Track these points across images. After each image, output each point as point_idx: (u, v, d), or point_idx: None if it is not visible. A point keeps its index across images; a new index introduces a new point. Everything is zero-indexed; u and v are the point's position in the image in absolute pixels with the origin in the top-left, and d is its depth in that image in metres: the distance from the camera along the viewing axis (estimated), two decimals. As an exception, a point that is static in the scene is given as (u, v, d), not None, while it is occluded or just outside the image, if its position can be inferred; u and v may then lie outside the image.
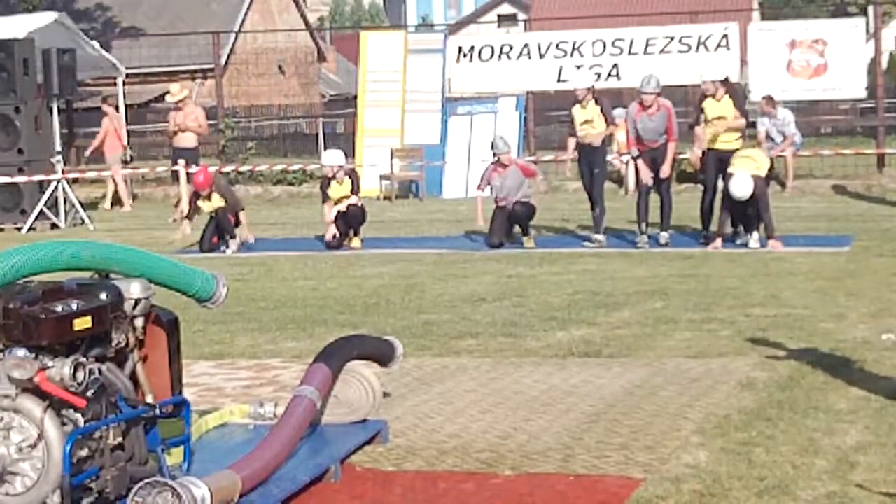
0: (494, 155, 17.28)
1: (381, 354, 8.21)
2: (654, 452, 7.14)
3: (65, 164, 23.51)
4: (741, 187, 15.64)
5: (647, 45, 26.59)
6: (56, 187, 22.33)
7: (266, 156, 32.28)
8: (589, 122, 17.00)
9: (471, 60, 27.42)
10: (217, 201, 17.54)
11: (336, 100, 49.64)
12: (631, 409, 8.18)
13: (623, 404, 8.31)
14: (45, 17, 24.37)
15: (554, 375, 9.26)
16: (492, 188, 17.33)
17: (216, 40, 29.93)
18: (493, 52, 27.47)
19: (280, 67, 48.35)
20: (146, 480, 5.84)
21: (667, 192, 16.88)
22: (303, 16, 52.31)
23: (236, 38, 44.81)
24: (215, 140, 28.26)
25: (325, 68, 55.36)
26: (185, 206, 19.83)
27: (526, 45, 27.47)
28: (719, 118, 16.61)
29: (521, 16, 60.67)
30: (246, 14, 46.77)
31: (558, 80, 27.20)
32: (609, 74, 26.72)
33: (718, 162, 16.54)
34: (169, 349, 6.83)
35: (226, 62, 40.85)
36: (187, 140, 23.20)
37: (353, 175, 17.83)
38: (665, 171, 16.58)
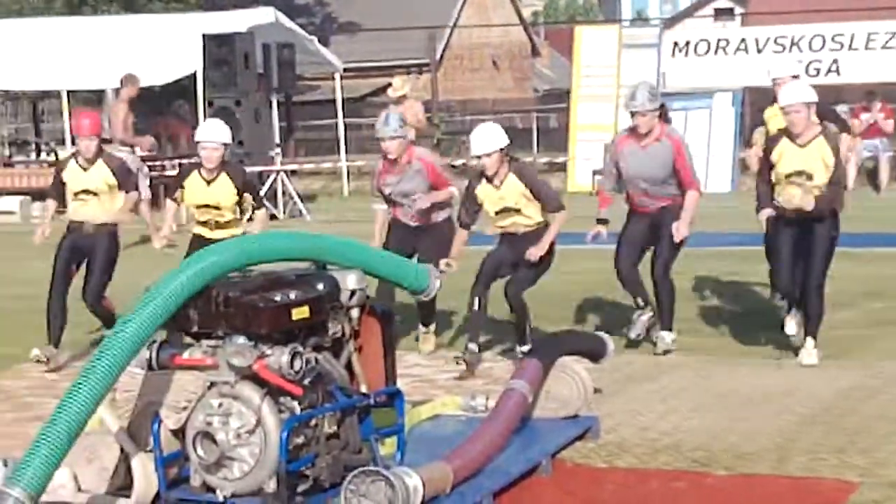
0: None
1: (592, 350, 8.19)
2: (871, 456, 6.97)
3: (283, 156, 23.95)
4: None
5: (868, 41, 25.98)
6: (275, 179, 22.78)
7: (479, 150, 32.36)
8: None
9: (686, 55, 27.17)
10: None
11: (549, 94, 49.56)
12: (847, 411, 8.01)
13: (839, 407, 8.14)
14: (265, 14, 24.83)
15: (768, 376, 9.12)
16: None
17: (431, 35, 30.11)
18: (709, 46, 27.16)
19: (494, 62, 48.51)
20: (360, 469, 5.91)
21: (663, 277, 10.18)
22: (517, 10, 52.38)
23: (451, 32, 45.09)
24: (430, 134, 28.46)
25: (538, 63, 55.39)
26: None
27: (743, 40, 27.08)
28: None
29: (738, 10, 59.83)
30: (461, 9, 47.04)
31: (776, 76, 26.76)
32: (829, 70, 26.20)
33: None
34: (383, 340, 6.91)
35: (440, 57, 41.16)
36: (406, 134, 23.39)
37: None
38: (682, 231, 9.86)
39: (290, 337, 6.14)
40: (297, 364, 5.99)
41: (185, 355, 6.15)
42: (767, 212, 9.59)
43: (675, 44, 27.34)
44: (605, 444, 7.40)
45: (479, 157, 9.55)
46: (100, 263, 10.32)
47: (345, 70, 27.83)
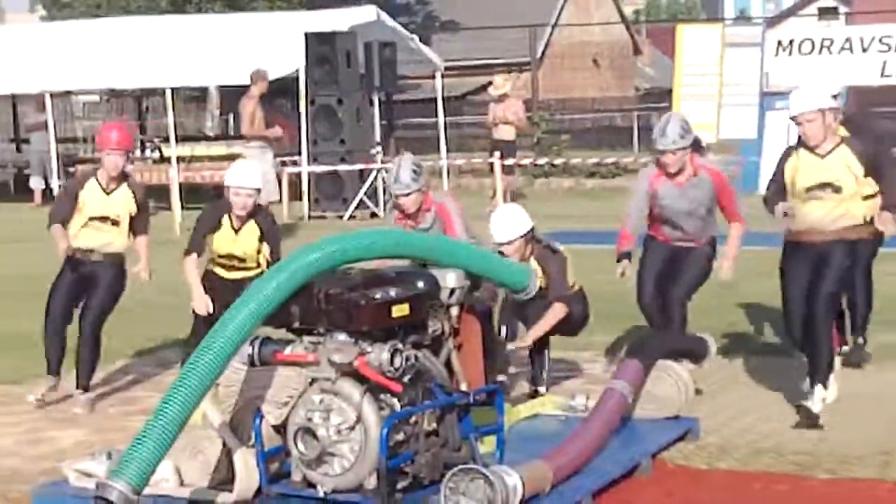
0: None
1: (692, 351, 8.14)
2: (980, 462, 6.86)
3: (384, 154, 24.03)
4: None
5: (979, 40, 25.55)
6: (376, 177, 22.87)
7: (579, 148, 32.32)
8: None
9: (790, 54, 26.85)
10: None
11: (650, 93, 49.33)
12: (955, 415, 7.89)
13: (947, 411, 8.02)
14: (367, 13, 24.94)
15: (873, 379, 8.99)
16: None
17: (532, 33, 30.04)
18: (812, 45, 26.83)
19: (595, 60, 48.37)
20: (460, 467, 5.92)
21: (680, 307, 8.93)
22: (618, 9, 52.18)
23: (552, 31, 45.04)
24: (531, 132, 28.43)
25: (639, 61, 55.13)
26: (499, 197, 19.73)
27: (847, 39, 26.71)
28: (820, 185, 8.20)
29: (843, 9, 59.13)
30: (562, 7, 46.95)
31: (881, 76, 26.40)
32: (934, 70, 25.80)
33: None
34: (483, 339, 6.92)
35: (541, 55, 41.10)
36: (506, 132, 23.43)
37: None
38: (726, 272, 8.88)
39: (391, 334, 6.16)
40: (397, 361, 6.02)
41: (287, 351, 6.20)
42: (783, 205, 7.99)
43: (779, 43, 27.03)
44: (707, 446, 7.35)
45: (500, 245, 8.50)
46: (104, 289, 8.96)
47: (446, 69, 27.88)
